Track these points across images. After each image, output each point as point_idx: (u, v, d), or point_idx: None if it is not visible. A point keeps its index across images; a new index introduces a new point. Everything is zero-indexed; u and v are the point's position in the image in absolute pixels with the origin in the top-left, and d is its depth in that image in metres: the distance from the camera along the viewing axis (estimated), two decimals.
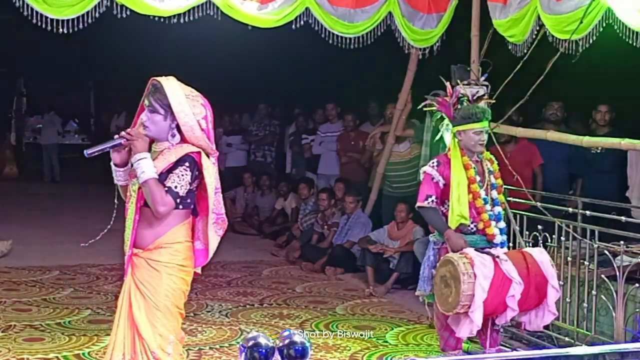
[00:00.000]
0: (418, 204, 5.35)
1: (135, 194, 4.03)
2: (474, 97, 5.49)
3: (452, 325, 5.17)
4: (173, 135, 4.01)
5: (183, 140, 4.01)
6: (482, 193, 5.25)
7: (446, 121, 5.46)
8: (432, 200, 5.26)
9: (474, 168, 5.28)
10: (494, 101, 5.89)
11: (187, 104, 3.98)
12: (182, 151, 3.97)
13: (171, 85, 4.04)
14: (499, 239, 5.25)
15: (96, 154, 4.03)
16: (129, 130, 4.01)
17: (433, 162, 5.35)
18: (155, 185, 3.88)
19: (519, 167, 6.53)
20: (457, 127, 5.31)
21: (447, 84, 5.54)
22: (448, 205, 5.25)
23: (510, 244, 6.21)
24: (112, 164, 4.10)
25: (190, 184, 3.94)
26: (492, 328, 5.32)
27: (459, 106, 5.37)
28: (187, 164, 3.93)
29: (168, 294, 3.98)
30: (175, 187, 3.90)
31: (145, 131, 4.00)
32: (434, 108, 5.56)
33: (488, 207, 5.26)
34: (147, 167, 3.89)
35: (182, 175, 3.92)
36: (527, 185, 6.65)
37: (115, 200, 4.26)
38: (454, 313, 5.03)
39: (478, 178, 5.27)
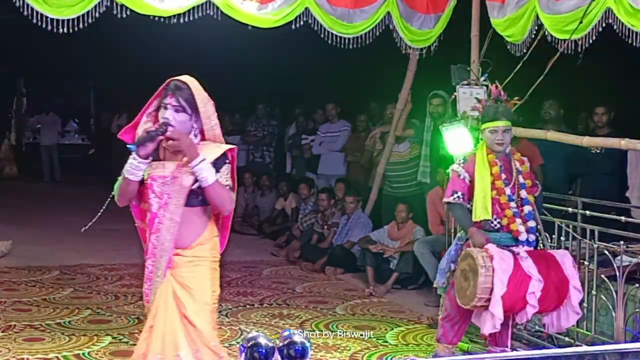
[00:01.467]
0: (444, 199, 5.45)
1: (166, 196, 4.01)
2: (504, 99, 5.51)
3: (476, 322, 5.20)
4: (196, 135, 4.07)
5: (202, 139, 4.08)
6: (507, 190, 5.28)
7: (455, 121, 5.56)
8: (458, 196, 5.31)
9: (500, 166, 5.32)
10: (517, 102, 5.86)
11: (209, 104, 4.08)
12: (217, 148, 4.05)
13: (196, 85, 4.11)
14: (524, 236, 5.23)
15: (142, 146, 3.97)
16: (167, 124, 3.98)
17: (460, 160, 5.44)
18: (221, 187, 3.99)
19: None
20: (480, 126, 5.45)
21: (492, 86, 5.63)
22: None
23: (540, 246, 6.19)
24: (133, 158, 4.00)
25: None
26: (508, 326, 5.32)
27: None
28: (228, 160, 4.06)
29: (211, 288, 4.10)
30: (229, 183, 4.04)
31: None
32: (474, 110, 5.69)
33: (513, 204, 5.27)
34: (210, 170, 3.96)
35: (228, 171, 4.05)
36: None
37: (109, 199, 4.23)
38: (471, 306, 5.08)
39: (503, 176, 5.31)
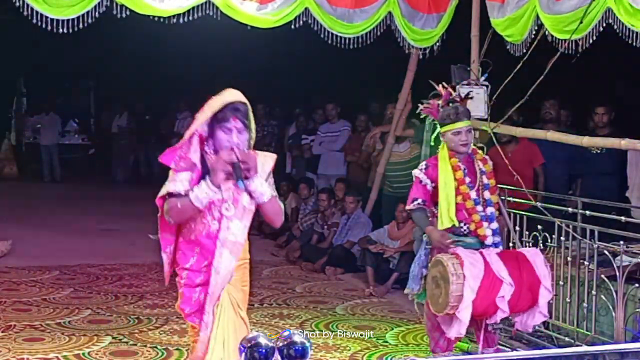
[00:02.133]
0: (406, 207, 5.45)
1: (226, 220, 3.95)
2: (463, 98, 5.49)
3: (442, 326, 5.18)
4: (250, 148, 4.05)
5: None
6: (473, 194, 5.25)
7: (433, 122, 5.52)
8: (418, 203, 5.31)
9: (464, 169, 5.28)
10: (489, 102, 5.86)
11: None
12: (266, 159, 4.04)
13: (246, 100, 4.05)
14: (490, 240, 5.25)
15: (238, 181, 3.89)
16: (238, 153, 3.89)
17: (422, 166, 5.40)
18: (276, 200, 4.02)
19: (519, 166, 6.53)
20: (440, 129, 5.38)
21: (439, 86, 5.54)
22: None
23: (510, 244, 6.22)
24: (211, 189, 3.85)
25: None
26: (487, 329, 5.32)
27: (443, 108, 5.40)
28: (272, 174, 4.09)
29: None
30: (276, 194, 4.07)
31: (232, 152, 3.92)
32: (422, 113, 5.62)
33: (479, 207, 5.26)
34: (265, 185, 3.96)
35: (272, 181, 4.08)
36: (528, 185, 6.65)
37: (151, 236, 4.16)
38: (444, 314, 5.05)
39: (468, 179, 5.27)
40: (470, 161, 5.35)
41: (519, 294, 5.06)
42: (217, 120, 3.95)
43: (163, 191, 3.93)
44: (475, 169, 5.35)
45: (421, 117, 5.82)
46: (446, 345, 5.38)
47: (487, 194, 5.32)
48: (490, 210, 5.30)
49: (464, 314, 4.94)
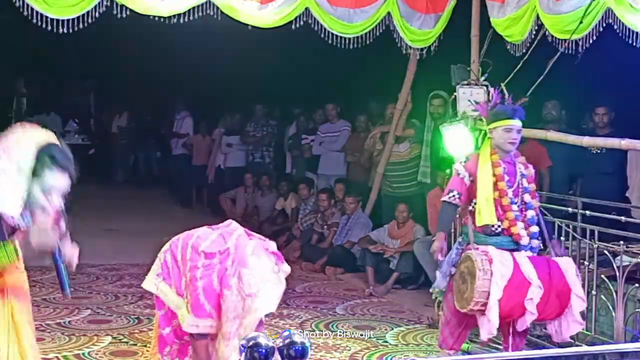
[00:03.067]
0: (442, 198, 5.37)
1: None
2: (509, 100, 5.46)
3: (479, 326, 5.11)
4: None
5: None
6: (510, 193, 5.18)
7: (455, 120, 5.46)
8: (454, 196, 5.24)
9: (504, 168, 5.23)
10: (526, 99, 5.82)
11: None
12: None
13: None
14: (525, 240, 5.14)
15: None
16: None
17: (462, 159, 5.36)
18: None
19: None
20: (489, 126, 5.31)
21: (492, 90, 5.54)
22: (475, 204, 5.22)
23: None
24: None
25: None
26: (515, 332, 5.23)
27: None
28: None
29: None
30: None
31: None
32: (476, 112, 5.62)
33: (515, 207, 5.18)
34: None
35: None
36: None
37: None
38: (468, 310, 5.00)
39: (507, 177, 5.21)
40: (512, 163, 5.29)
41: (547, 299, 4.98)
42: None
43: None
44: (516, 171, 5.28)
45: (432, 113, 5.78)
46: (452, 343, 5.34)
47: (527, 197, 5.24)
48: (530, 213, 5.21)
49: (493, 313, 4.88)
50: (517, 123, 5.26)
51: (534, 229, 5.20)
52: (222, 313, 4.35)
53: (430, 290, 5.63)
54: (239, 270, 4.40)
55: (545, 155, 7.60)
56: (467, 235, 5.28)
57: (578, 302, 5.07)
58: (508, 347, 5.28)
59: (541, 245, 5.31)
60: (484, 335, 5.05)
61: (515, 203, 5.21)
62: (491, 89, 5.61)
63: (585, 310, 5.77)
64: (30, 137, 3.56)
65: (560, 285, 5.03)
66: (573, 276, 5.09)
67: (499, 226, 5.19)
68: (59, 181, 3.52)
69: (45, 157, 3.49)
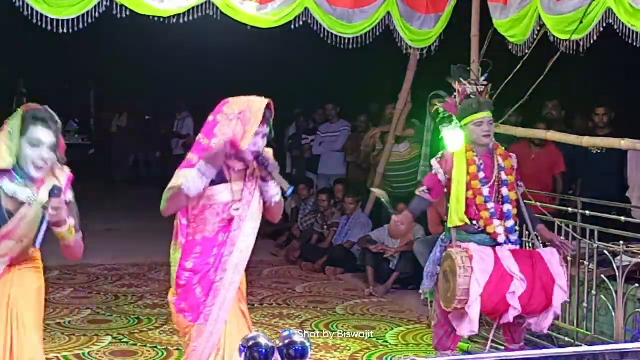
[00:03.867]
0: (416, 191, 5.39)
1: (238, 220, 3.99)
2: (478, 92, 5.43)
3: (454, 323, 5.11)
4: None
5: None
6: (485, 190, 5.13)
7: (455, 121, 5.43)
8: (425, 190, 5.25)
9: (479, 164, 5.17)
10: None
11: None
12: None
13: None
14: (502, 238, 5.10)
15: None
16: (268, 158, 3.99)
17: (438, 155, 5.31)
18: (281, 199, 4.11)
19: (539, 170, 6.51)
20: (461, 123, 5.28)
21: (456, 84, 5.46)
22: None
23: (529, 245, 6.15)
24: (207, 173, 3.89)
25: None
26: (507, 327, 5.22)
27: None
28: None
29: None
30: None
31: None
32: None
33: (491, 205, 5.13)
34: (277, 187, 4.03)
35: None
36: (543, 189, 6.66)
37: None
38: (452, 308, 4.99)
39: (482, 174, 5.15)
40: (490, 156, 5.23)
41: (531, 292, 4.95)
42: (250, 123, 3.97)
43: (168, 186, 3.97)
44: (494, 164, 5.22)
45: (432, 112, 5.75)
46: (448, 345, 5.31)
47: (504, 191, 5.18)
48: (507, 207, 5.16)
49: (473, 309, 4.87)
50: (485, 115, 5.19)
51: (509, 223, 5.15)
52: None
53: (420, 290, 5.58)
54: None
55: (561, 161, 7.55)
56: (450, 232, 5.25)
57: (560, 294, 5.03)
58: (489, 341, 5.29)
59: (519, 239, 5.28)
60: (464, 332, 5.03)
61: (490, 200, 5.14)
62: (455, 84, 5.44)
63: (585, 310, 5.79)
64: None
65: (545, 277, 5.00)
66: (557, 266, 5.05)
67: (478, 224, 5.15)
68: (43, 134, 3.81)
69: (29, 116, 3.87)
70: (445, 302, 5.06)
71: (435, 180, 5.23)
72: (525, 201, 5.45)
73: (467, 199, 5.15)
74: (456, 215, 5.13)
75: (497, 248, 5.08)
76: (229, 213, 3.95)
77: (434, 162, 5.29)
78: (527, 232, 5.71)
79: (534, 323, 5.17)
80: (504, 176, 5.21)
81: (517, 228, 5.27)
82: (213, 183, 3.94)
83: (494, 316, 5.14)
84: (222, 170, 3.96)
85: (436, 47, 7.22)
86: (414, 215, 5.40)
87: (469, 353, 5.87)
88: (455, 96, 5.41)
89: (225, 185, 3.97)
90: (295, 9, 6.47)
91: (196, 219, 3.99)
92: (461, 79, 5.48)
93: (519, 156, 5.57)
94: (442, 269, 5.11)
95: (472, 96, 5.31)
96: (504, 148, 5.39)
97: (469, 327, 4.96)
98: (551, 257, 5.09)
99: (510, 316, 5.01)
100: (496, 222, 5.13)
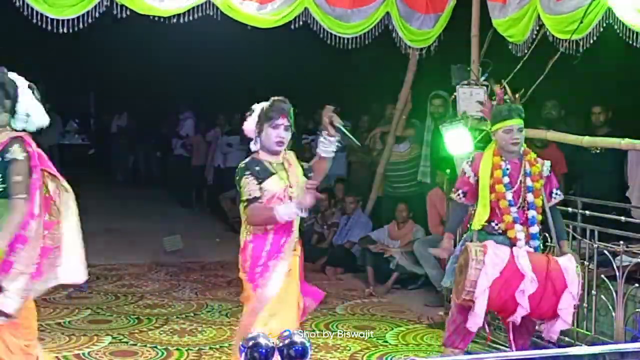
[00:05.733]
0: (450, 195, 5.47)
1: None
2: (516, 98, 5.39)
3: (464, 317, 5.10)
4: None
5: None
6: (509, 195, 5.11)
7: (456, 121, 5.45)
8: (459, 194, 5.30)
9: (505, 169, 5.16)
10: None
11: None
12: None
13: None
14: (521, 243, 5.07)
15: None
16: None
17: (469, 159, 5.37)
18: None
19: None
20: (491, 128, 5.29)
21: (497, 88, 5.46)
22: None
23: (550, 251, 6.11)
24: (296, 210, 4.53)
25: None
26: (516, 332, 5.17)
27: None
28: None
29: None
30: None
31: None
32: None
33: (514, 209, 5.11)
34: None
35: None
36: None
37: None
38: (462, 300, 4.99)
39: (506, 179, 5.14)
40: (518, 162, 5.22)
41: (541, 294, 4.92)
42: (266, 118, 4.41)
43: (246, 196, 4.46)
44: (520, 169, 5.20)
45: (432, 113, 5.75)
46: (458, 342, 5.29)
47: (529, 197, 5.15)
48: (532, 213, 5.12)
49: (480, 302, 4.87)
50: (515, 122, 5.19)
51: (534, 229, 5.13)
52: None
53: (441, 286, 5.62)
54: None
55: (563, 162, 7.52)
56: (472, 232, 5.26)
57: (568, 298, 4.97)
58: (510, 344, 5.26)
59: (541, 245, 5.26)
60: (471, 325, 5.02)
61: (514, 205, 5.13)
62: (496, 88, 5.49)
63: (585, 310, 5.79)
64: None
65: (558, 282, 4.96)
66: (573, 274, 4.99)
67: (499, 227, 5.16)
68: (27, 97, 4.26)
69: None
70: (456, 294, 5.09)
71: (468, 182, 5.28)
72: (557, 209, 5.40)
73: (490, 202, 5.16)
74: (478, 221, 5.16)
75: (514, 247, 5.05)
76: (289, 197, 4.49)
77: (464, 165, 5.33)
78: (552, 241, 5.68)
79: (544, 329, 5.14)
80: (529, 182, 5.18)
81: (540, 235, 5.21)
82: (263, 180, 4.41)
83: (502, 315, 5.12)
84: (266, 167, 4.44)
85: (435, 47, 7.22)
86: (453, 232, 5.49)
87: (469, 353, 5.86)
88: (492, 99, 5.45)
89: (276, 177, 4.45)
90: (295, 9, 6.48)
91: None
92: (502, 83, 5.50)
93: None
94: (458, 263, 5.14)
95: (507, 101, 5.30)
96: (535, 154, 5.36)
97: (474, 321, 4.95)
98: (567, 263, 5.03)
99: (518, 315, 4.97)
100: (517, 227, 5.10)
